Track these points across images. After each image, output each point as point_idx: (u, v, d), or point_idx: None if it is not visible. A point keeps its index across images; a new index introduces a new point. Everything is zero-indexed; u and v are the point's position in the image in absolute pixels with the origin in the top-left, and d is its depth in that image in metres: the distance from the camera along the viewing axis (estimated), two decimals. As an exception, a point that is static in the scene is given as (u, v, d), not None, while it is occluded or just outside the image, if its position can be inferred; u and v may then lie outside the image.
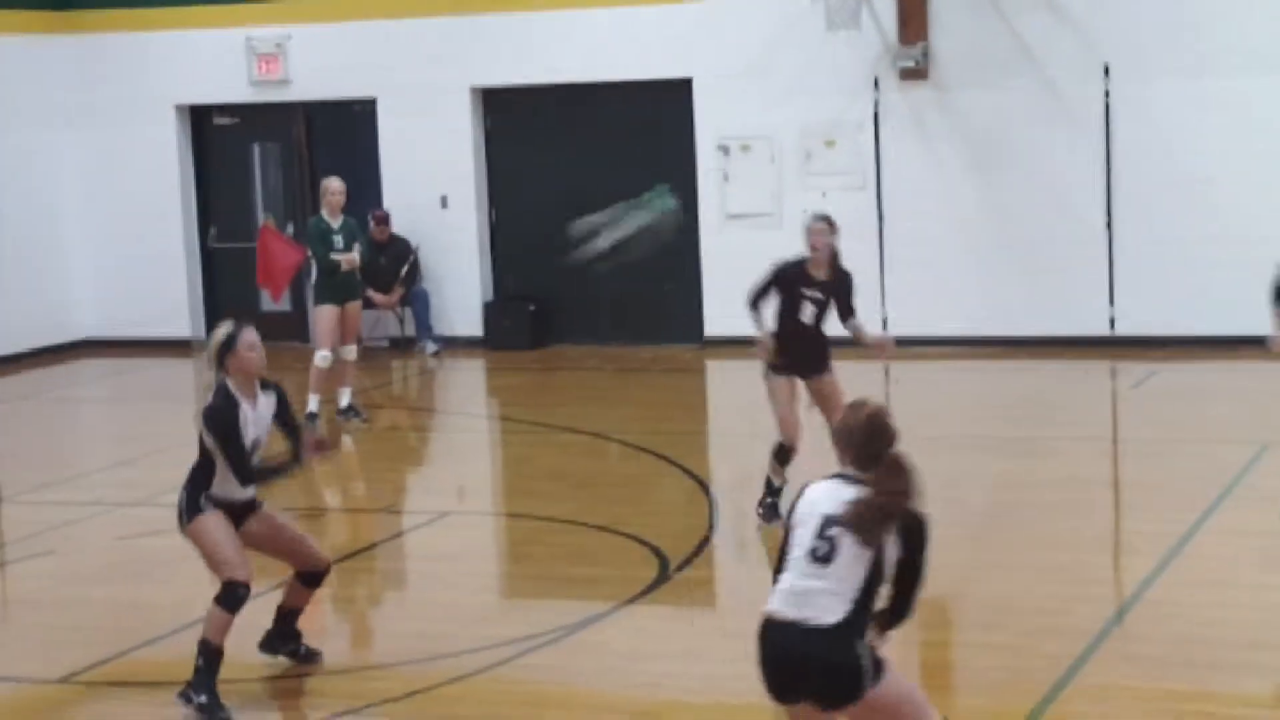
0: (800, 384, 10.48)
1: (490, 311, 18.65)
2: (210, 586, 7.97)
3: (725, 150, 17.71)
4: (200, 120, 19.72)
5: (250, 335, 7.83)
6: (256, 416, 7.85)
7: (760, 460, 13.06)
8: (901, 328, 17.22)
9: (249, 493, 7.97)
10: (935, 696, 7.80)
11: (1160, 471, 11.80)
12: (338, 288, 14.34)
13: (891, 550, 5.66)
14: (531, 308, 18.49)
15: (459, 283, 18.72)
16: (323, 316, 14.38)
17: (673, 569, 9.73)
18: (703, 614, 9.29)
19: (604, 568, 9.87)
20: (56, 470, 13.42)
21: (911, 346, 17.08)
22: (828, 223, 10.35)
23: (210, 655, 7.79)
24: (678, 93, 17.81)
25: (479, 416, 16.03)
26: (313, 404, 14.21)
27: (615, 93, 18.08)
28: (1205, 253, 16.22)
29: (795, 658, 5.65)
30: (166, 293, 19.54)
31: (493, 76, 18.42)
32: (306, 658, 8.42)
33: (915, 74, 16.96)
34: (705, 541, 10.45)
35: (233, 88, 19.21)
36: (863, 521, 5.60)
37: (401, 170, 18.75)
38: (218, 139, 19.78)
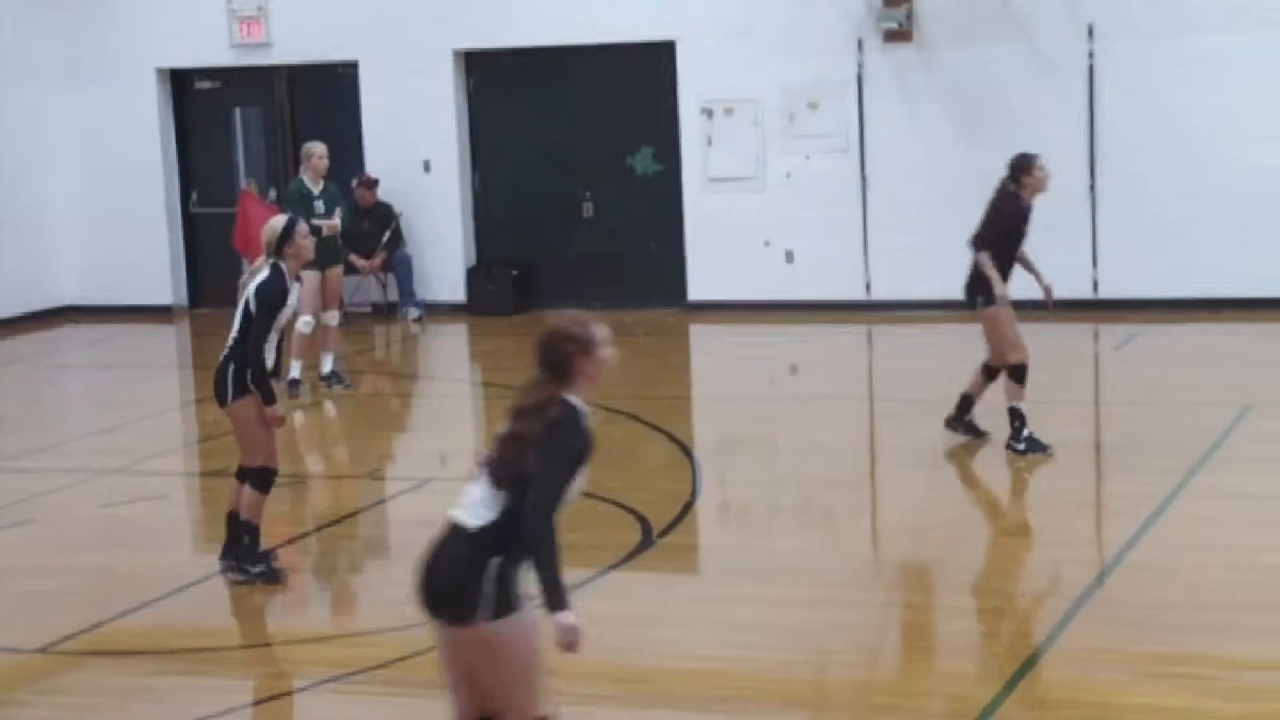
0: None
1: (473, 276, 18.60)
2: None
3: (709, 113, 17.65)
4: (182, 84, 19.61)
5: (304, 226, 9.14)
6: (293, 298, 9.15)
7: (743, 423, 13.05)
8: (885, 291, 17.25)
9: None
10: (917, 659, 7.84)
11: (1142, 434, 11.80)
12: (319, 253, 14.21)
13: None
14: (514, 272, 18.44)
15: (442, 248, 18.66)
16: (305, 282, 14.30)
17: (656, 534, 9.73)
18: (687, 579, 9.29)
19: (588, 534, 9.84)
20: (38, 438, 13.36)
21: (895, 310, 17.10)
22: None
23: (252, 531, 9.07)
24: (661, 55, 17.73)
25: (462, 382, 16.00)
26: (295, 370, 14.17)
27: (598, 56, 17.99)
28: (1189, 213, 16.21)
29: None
30: (148, 258, 19.45)
31: (476, 39, 18.32)
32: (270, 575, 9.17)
33: (899, 35, 16.89)
34: (688, 507, 10.44)
35: (214, 51, 19.08)
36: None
37: (384, 134, 18.65)
38: (199, 103, 19.67)
